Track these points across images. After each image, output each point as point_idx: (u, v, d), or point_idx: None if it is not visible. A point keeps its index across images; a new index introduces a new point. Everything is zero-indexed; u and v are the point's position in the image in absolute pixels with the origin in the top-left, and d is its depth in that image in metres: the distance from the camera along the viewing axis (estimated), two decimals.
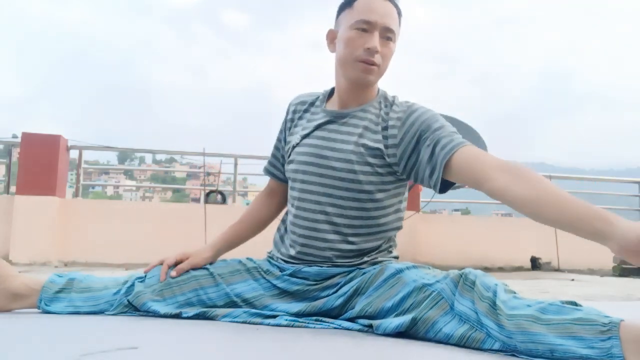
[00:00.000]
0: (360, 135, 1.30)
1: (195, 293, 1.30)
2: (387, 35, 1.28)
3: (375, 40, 1.26)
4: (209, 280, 1.32)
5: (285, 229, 1.40)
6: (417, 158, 1.25)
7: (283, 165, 1.48)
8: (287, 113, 1.49)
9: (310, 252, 1.31)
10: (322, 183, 1.31)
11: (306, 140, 1.36)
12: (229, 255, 1.43)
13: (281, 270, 1.34)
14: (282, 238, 1.41)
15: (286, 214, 1.43)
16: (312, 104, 1.45)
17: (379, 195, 1.30)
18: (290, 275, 1.31)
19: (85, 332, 1.11)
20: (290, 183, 1.41)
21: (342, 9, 1.34)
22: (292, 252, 1.33)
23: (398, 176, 1.31)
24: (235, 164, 6.02)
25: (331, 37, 1.37)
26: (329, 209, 1.30)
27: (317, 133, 1.35)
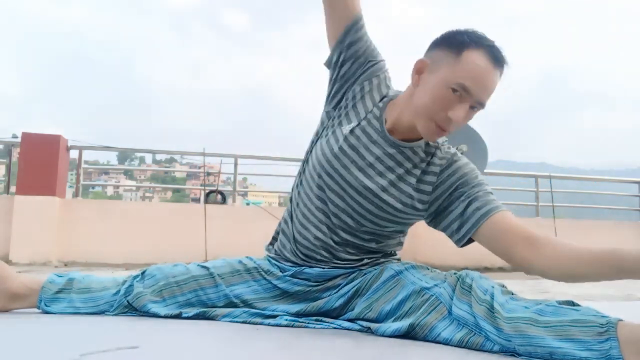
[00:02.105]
0: (400, 177, 1.23)
1: (195, 294, 1.30)
2: (476, 106, 1.16)
3: (462, 112, 1.13)
4: (208, 281, 1.31)
5: (287, 226, 1.36)
6: (448, 209, 1.23)
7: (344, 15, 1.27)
8: (384, 68, 1.32)
9: (311, 255, 1.29)
10: (339, 200, 1.25)
11: (348, 149, 1.24)
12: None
13: (282, 270, 1.32)
14: (284, 234, 1.37)
15: (291, 210, 1.37)
16: (383, 98, 1.29)
17: (389, 230, 1.29)
18: (292, 276, 1.30)
19: (85, 332, 1.11)
20: (304, 178, 1.33)
21: (446, 46, 1.16)
22: (295, 251, 1.31)
23: (418, 219, 1.29)
24: (235, 164, 6.01)
25: (419, 68, 1.19)
26: (335, 220, 1.26)
27: (362, 150, 1.24)
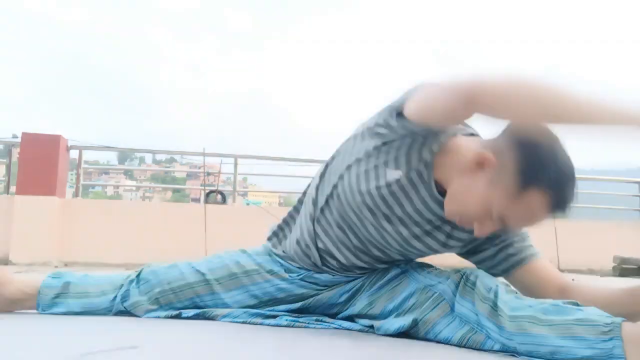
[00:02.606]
0: (436, 227, 1.17)
1: (192, 301, 1.28)
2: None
3: (489, 231, 1.07)
4: (204, 288, 1.28)
5: (302, 234, 1.28)
6: (479, 248, 1.22)
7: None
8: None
9: (324, 263, 1.26)
10: (366, 233, 1.19)
11: (388, 195, 1.12)
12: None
13: (287, 270, 1.28)
14: (298, 243, 1.28)
15: (312, 221, 1.26)
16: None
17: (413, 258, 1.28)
18: (299, 279, 1.27)
19: (85, 332, 1.11)
20: (335, 195, 1.20)
21: (521, 164, 0.99)
22: (306, 259, 1.27)
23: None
24: (235, 164, 6.00)
25: (481, 163, 1.04)
26: (359, 245, 1.21)
27: (403, 200, 1.13)
